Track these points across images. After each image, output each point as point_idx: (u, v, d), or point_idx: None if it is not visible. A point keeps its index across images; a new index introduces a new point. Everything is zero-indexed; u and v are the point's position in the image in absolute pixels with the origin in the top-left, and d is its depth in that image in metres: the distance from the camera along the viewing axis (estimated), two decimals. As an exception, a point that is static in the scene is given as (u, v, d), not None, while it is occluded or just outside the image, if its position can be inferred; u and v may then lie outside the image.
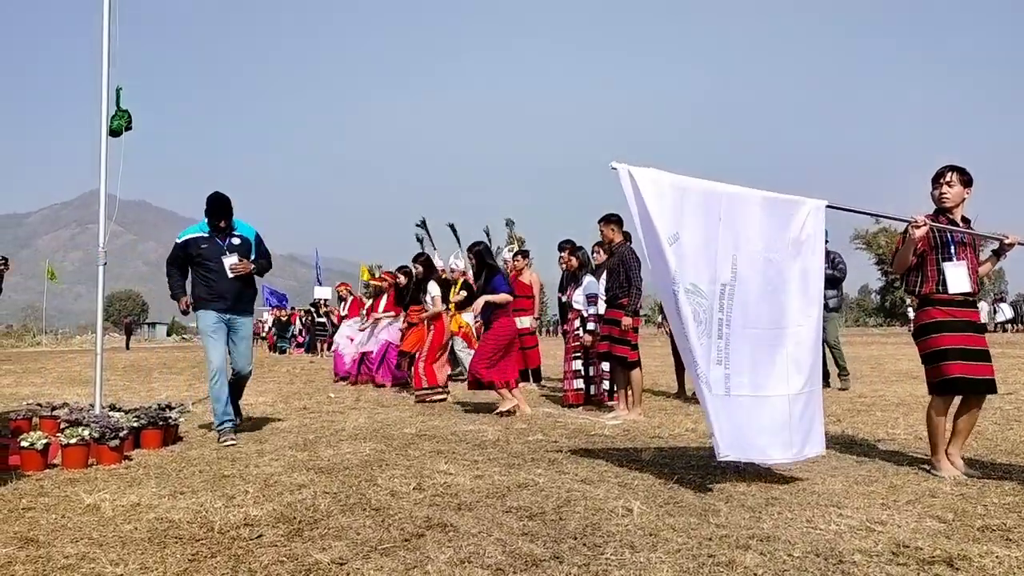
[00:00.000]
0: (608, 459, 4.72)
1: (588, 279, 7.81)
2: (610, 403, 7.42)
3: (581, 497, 3.72)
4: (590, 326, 7.52)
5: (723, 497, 3.72)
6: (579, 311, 7.84)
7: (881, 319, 54.31)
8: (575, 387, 7.78)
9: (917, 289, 4.34)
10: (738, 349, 4.09)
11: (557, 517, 3.36)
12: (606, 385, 7.66)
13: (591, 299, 7.60)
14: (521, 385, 10.09)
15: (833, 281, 9.15)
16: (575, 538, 3.05)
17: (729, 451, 3.90)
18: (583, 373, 7.82)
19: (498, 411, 7.01)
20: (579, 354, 7.82)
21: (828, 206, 4.44)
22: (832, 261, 9.11)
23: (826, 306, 9.08)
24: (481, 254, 7.56)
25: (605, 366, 7.51)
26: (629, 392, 6.98)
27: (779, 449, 4.10)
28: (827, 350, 9.18)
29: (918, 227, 4.18)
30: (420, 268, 9.21)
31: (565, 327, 8.41)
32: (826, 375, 9.16)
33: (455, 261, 8.80)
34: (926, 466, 4.31)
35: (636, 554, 2.84)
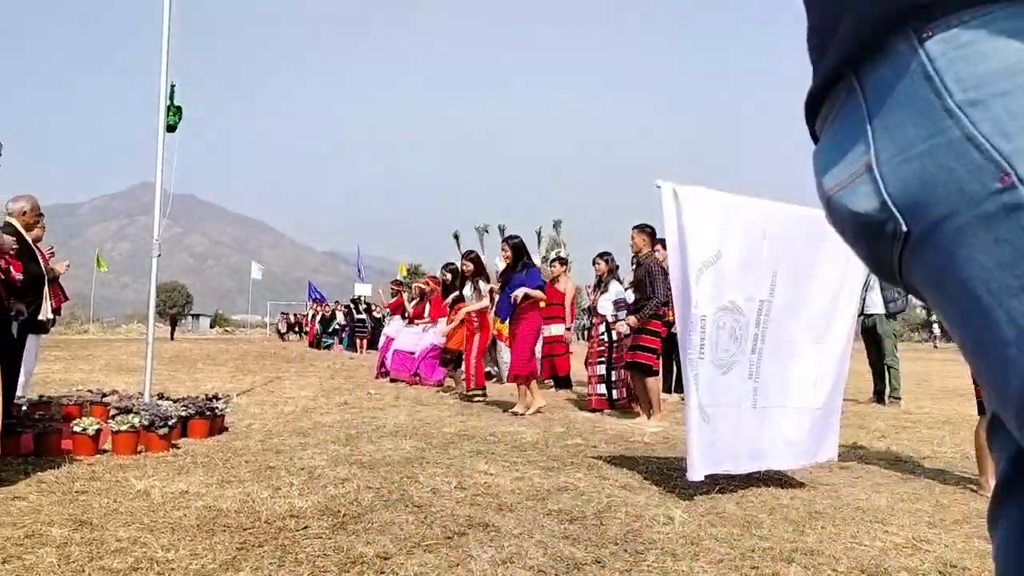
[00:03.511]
0: (648, 466, 4.71)
1: (614, 285, 7.85)
2: (638, 408, 7.40)
3: (622, 503, 3.72)
4: (623, 329, 7.42)
5: (765, 509, 3.69)
6: (603, 316, 7.88)
7: (927, 335, 53.29)
8: (598, 392, 7.79)
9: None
10: (769, 363, 4.12)
11: (598, 522, 3.37)
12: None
13: (618, 304, 7.67)
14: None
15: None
16: (616, 544, 3.05)
17: (714, 468, 3.93)
18: (606, 378, 7.82)
19: (522, 411, 7.07)
20: (603, 359, 7.84)
21: None
22: None
23: (886, 310, 8.85)
24: (519, 247, 7.61)
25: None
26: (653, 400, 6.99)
27: (791, 457, 4.24)
28: (885, 368, 8.95)
29: None
30: (470, 265, 9.00)
31: (591, 332, 8.39)
32: (882, 392, 8.96)
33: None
34: (973, 486, 4.22)
35: (678, 562, 2.83)
